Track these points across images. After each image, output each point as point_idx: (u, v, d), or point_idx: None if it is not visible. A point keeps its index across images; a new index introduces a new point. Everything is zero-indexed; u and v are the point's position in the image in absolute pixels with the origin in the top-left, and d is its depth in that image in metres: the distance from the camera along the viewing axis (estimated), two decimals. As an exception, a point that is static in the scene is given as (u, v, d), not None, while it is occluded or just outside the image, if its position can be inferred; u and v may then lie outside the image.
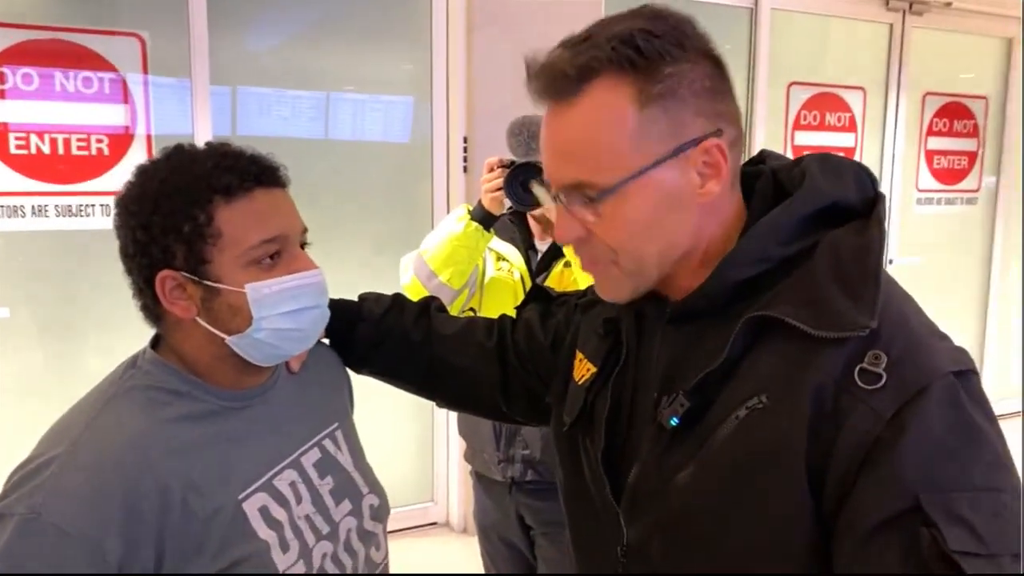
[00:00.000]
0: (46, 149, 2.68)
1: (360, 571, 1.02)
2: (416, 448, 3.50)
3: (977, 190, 4.80)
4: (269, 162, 0.94)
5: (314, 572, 0.94)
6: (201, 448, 0.89)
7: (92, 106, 2.73)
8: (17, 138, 2.64)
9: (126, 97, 2.78)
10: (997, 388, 4.91)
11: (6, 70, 2.61)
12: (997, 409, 4.07)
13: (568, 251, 1.78)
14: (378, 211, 3.31)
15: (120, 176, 2.71)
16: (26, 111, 2.64)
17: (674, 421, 0.75)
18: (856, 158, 4.24)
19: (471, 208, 1.85)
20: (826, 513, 0.67)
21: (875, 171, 3.70)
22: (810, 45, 4.21)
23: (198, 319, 0.90)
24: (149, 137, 2.83)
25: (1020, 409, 4.74)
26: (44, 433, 0.88)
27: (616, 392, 0.86)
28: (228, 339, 0.91)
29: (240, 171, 0.89)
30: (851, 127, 4.31)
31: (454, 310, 1.92)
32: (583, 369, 0.92)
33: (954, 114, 4.66)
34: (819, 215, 0.76)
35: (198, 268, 0.88)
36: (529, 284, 1.90)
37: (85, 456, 0.82)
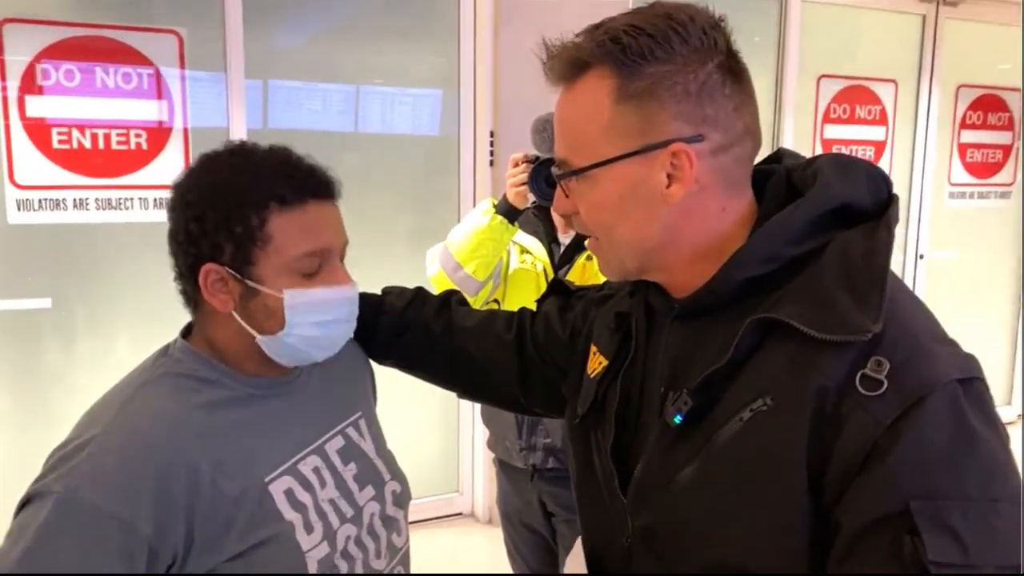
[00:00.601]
0: (87, 144, 2.74)
1: (383, 554, 1.05)
2: (441, 438, 3.55)
3: (1011, 184, 4.72)
4: (326, 176, 0.97)
5: (338, 554, 0.97)
6: (229, 432, 0.93)
7: (131, 101, 2.80)
8: (59, 133, 2.71)
9: (164, 92, 2.85)
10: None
11: (48, 66, 2.68)
12: (1027, 406, 3.86)
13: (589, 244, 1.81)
14: (406, 203, 3.36)
15: (158, 170, 2.84)
16: (68, 106, 2.72)
17: (678, 419, 0.76)
18: (887, 151, 4.25)
19: (496, 202, 1.88)
20: (825, 515, 0.68)
21: (906, 164, 3.66)
22: (840, 37, 4.16)
23: (234, 314, 0.94)
24: (186, 131, 2.90)
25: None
26: (81, 416, 0.92)
27: (625, 386, 0.88)
28: (259, 338, 0.95)
29: (298, 182, 0.93)
30: (882, 120, 4.26)
31: (478, 301, 1.97)
32: (596, 362, 0.95)
33: (988, 106, 4.59)
34: (830, 216, 0.76)
35: (243, 268, 0.92)
36: (552, 276, 1.93)
37: (118, 438, 0.86)
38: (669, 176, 0.76)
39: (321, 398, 1.06)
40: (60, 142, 2.71)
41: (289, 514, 0.93)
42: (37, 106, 2.68)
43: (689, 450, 0.76)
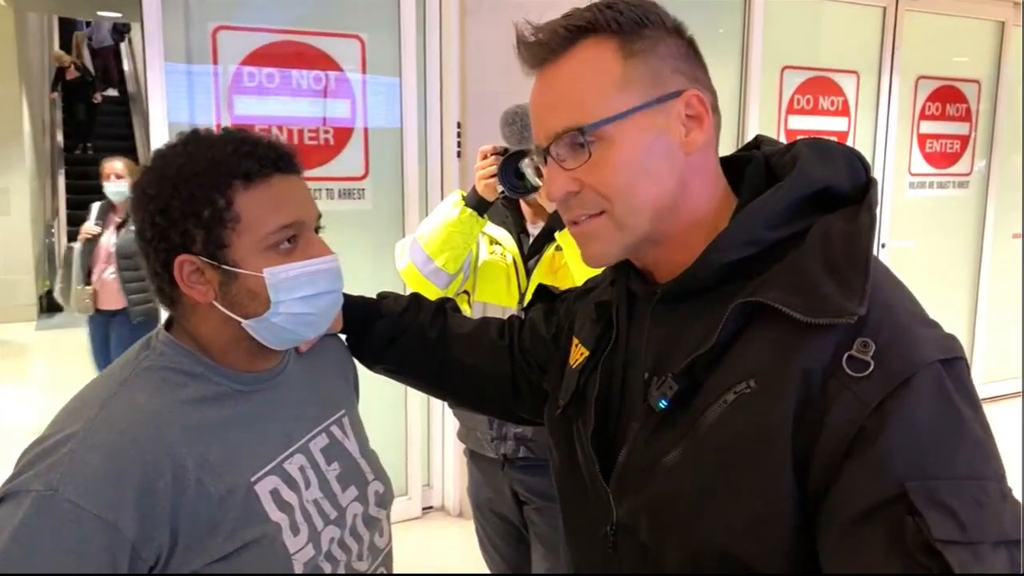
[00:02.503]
0: (284, 140, 2.81)
1: (365, 556, 1.03)
2: (416, 434, 3.54)
3: (969, 174, 4.83)
4: (286, 148, 0.95)
5: (322, 556, 0.95)
6: (215, 429, 0.90)
7: (321, 101, 3.10)
8: (262, 130, 2.84)
9: (348, 93, 3.13)
10: (989, 371, 4.96)
11: (253, 70, 2.97)
12: (991, 391, 4.11)
13: (559, 235, 1.82)
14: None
15: (343, 164, 3.19)
16: (268, 106, 3.02)
17: (663, 403, 0.76)
18: (849, 142, 4.31)
19: (465, 194, 1.88)
20: (810, 498, 0.68)
21: (868, 155, 3.69)
22: (803, 29, 4.22)
23: (215, 303, 0.91)
24: (365, 130, 3.21)
25: (1020, 390, 4.79)
26: (59, 411, 0.89)
27: (607, 373, 0.88)
28: (245, 323, 0.92)
29: (259, 157, 0.90)
30: (844, 111, 4.33)
31: (449, 293, 1.96)
32: (577, 353, 0.94)
33: (947, 98, 4.68)
34: (810, 200, 0.76)
35: (217, 253, 0.89)
36: (521, 267, 1.93)
37: (101, 434, 0.83)
38: (684, 126, 0.78)
39: (306, 394, 1.04)
40: None
41: (275, 515, 0.91)
42: (244, 106, 2.98)
43: (674, 435, 0.76)
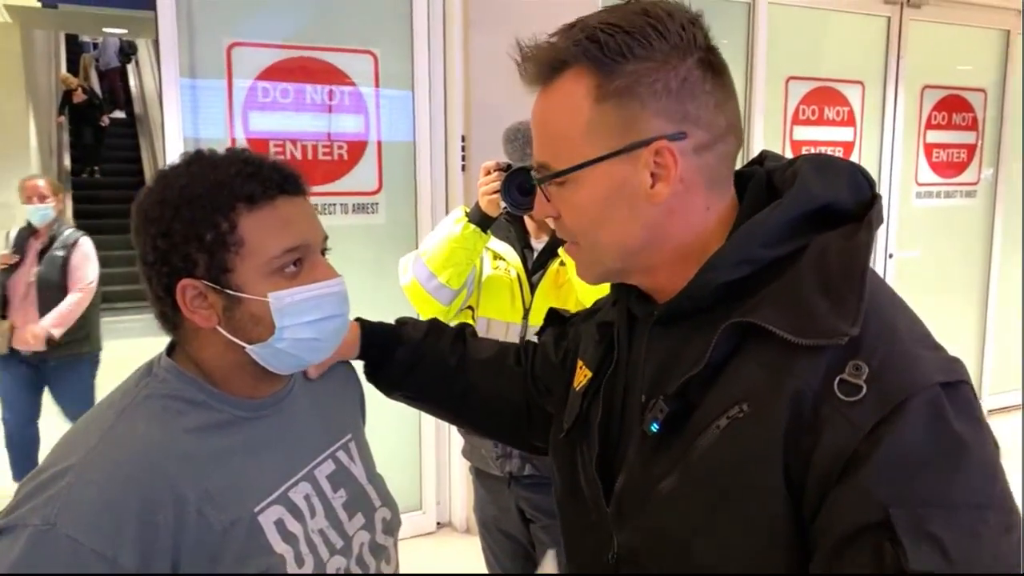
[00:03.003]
0: (298, 155, 3.05)
1: None
2: (429, 448, 3.52)
3: (976, 183, 4.80)
4: (290, 170, 0.93)
5: None
6: (217, 459, 0.88)
7: (334, 116, 3.12)
8: (276, 145, 3.02)
9: (361, 108, 3.15)
10: (998, 382, 4.91)
11: (268, 85, 2.99)
12: (998, 403, 4.04)
13: (563, 250, 1.81)
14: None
15: (356, 178, 3.19)
16: (282, 122, 3.03)
17: (654, 427, 0.75)
18: (855, 152, 4.30)
19: (468, 210, 1.87)
20: (804, 523, 0.66)
21: (874, 165, 3.70)
22: (808, 39, 4.20)
23: (218, 328, 0.89)
24: (379, 143, 3.21)
25: (1021, 403, 4.75)
26: (58, 442, 0.86)
27: (608, 396, 0.86)
28: (249, 348, 0.89)
29: (263, 178, 0.88)
30: (850, 121, 4.31)
31: (452, 310, 1.95)
32: (581, 376, 0.93)
33: (953, 107, 4.65)
34: (810, 217, 0.74)
35: (220, 277, 0.87)
36: (526, 282, 1.92)
37: (100, 467, 0.80)
38: (653, 175, 0.74)
39: (311, 419, 1.02)
40: (276, 153, 2.97)
41: (280, 547, 0.89)
42: (259, 121, 2.99)
43: (669, 460, 0.74)
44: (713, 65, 0.75)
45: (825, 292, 0.68)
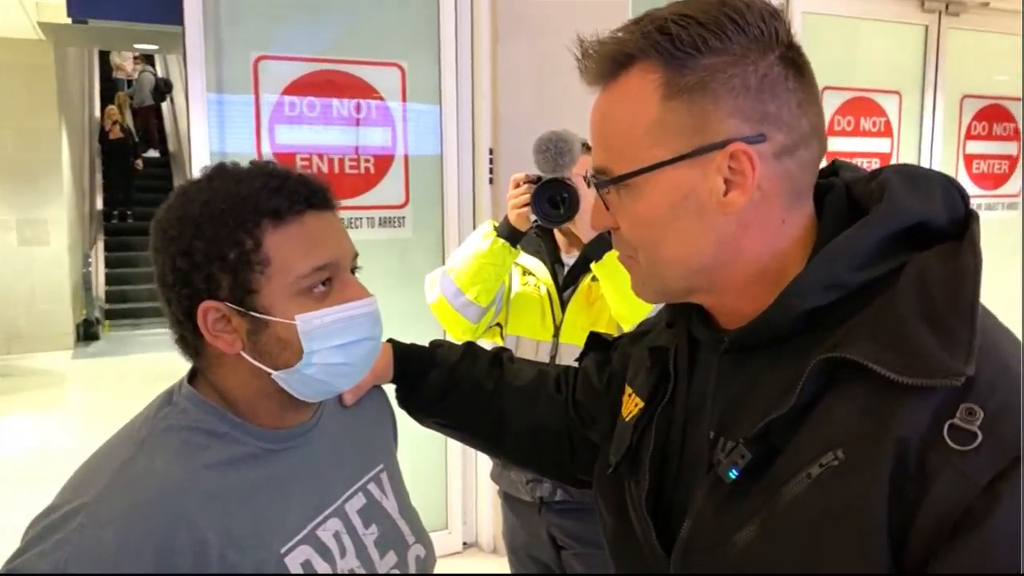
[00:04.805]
0: (325, 169, 3.04)
1: None
2: (449, 466, 3.47)
3: (1018, 194, 4.67)
4: (319, 182, 0.87)
5: None
6: (241, 496, 0.82)
7: (362, 129, 3.10)
8: (302, 159, 2.99)
9: (388, 121, 3.13)
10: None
11: (295, 99, 2.97)
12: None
13: (595, 266, 1.74)
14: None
15: (383, 192, 3.16)
16: (309, 135, 3.01)
17: (733, 473, 0.67)
18: (892, 164, 4.18)
19: (497, 224, 1.82)
20: None
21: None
22: (843, 48, 4.11)
23: (243, 353, 0.83)
24: (406, 157, 3.18)
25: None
26: (71, 476, 0.81)
27: (662, 429, 0.79)
28: (275, 374, 0.84)
29: (289, 192, 0.82)
30: (887, 132, 4.21)
31: (480, 328, 1.89)
32: (631, 404, 0.86)
33: (993, 117, 4.54)
34: (901, 236, 0.66)
35: (244, 298, 0.81)
36: (556, 299, 1.86)
37: (115, 507, 0.75)
38: (727, 182, 0.67)
39: (341, 450, 0.96)
40: (303, 167, 2.94)
41: None
42: (286, 135, 2.97)
43: (747, 508, 0.66)
44: (796, 63, 0.68)
45: (931, 323, 0.60)
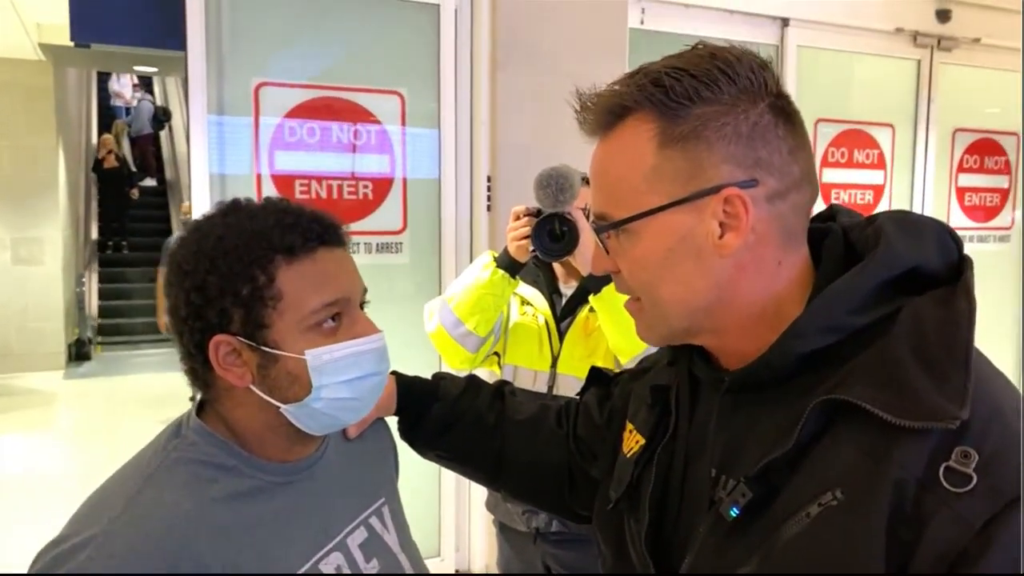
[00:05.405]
0: (323, 194, 3.06)
1: None
2: (442, 492, 3.45)
3: (1010, 227, 4.71)
4: (331, 219, 0.89)
5: None
6: (247, 530, 0.83)
7: (361, 156, 3.11)
8: (301, 184, 3.01)
9: (387, 147, 3.14)
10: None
11: (295, 124, 2.98)
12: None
13: (593, 298, 1.76)
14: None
15: (381, 218, 3.17)
16: (308, 160, 3.02)
17: (734, 512, 0.68)
18: (885, 195, 4.23)
19: (496, 255, 1.83)
20: None
21: (905, 208, 3.63)
22: (837, 82, 4.17)
23: (252, 387, 0.84)
24: (404, 181, 3.19)
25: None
26: (79, 507, 0.82)
27: (663, 466, 0.80)
28: (284, 408, 0.85)
29: (303, 229, 0.84)
30: (880, 164, 4.25)
31: (479, 357, 1.90)
32: (632, 441, 0.87)
33: (985, 150, 4.58)
34: (896, 281, 0.69)
35: (256, 333, 0.83)
36: (554, 329, 1.87)
37: (124, 539, 0.75)
38: (722, 225, 0.69)
39: (344, 483, 0.97)
40: (302, 192, 3.00)
41: None
42: (285, 160, 2.99)
43: (747, 546, 0.67)
44: (785, 111, 0.71)
45: (926, 367, 0.62)
